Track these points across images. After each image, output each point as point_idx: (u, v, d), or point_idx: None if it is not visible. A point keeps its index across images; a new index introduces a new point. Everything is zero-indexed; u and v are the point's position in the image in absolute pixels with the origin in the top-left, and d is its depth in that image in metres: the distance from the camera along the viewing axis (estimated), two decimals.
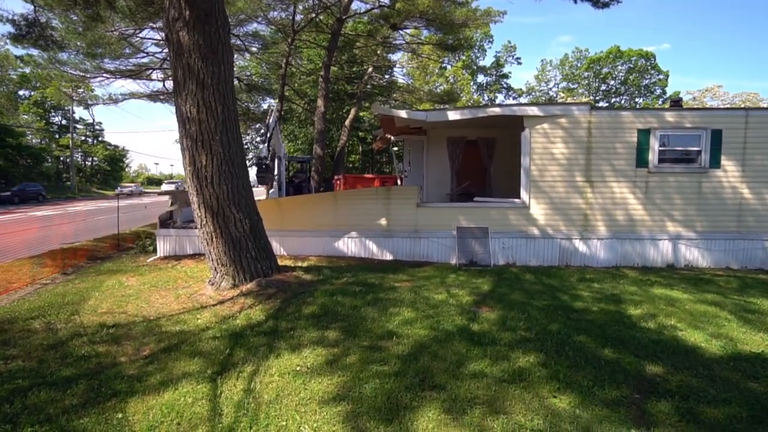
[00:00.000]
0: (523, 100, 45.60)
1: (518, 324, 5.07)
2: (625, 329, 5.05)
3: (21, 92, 41.27)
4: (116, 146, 52.27)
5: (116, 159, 51.91)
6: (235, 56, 25.91)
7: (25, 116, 40.22)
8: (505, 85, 43.17)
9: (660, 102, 42.14)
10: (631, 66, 44.33)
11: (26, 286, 7.08)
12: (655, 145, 8.81)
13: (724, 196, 8.86)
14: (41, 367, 4.01)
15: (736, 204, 8.86)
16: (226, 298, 5.82)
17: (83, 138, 47.73)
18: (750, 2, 75.49)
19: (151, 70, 20.55)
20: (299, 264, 8.25)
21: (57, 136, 41.97)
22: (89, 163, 48.92)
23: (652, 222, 8.97)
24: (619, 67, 44.97)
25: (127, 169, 63.76)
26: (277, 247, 9.27)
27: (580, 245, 9.03)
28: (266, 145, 12.51)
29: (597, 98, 45.28)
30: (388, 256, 9.18)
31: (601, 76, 45.60)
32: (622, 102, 44.90)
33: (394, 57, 27.88)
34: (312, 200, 9.74)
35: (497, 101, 41.39)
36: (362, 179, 16.24)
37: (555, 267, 8.77)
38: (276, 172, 13.32)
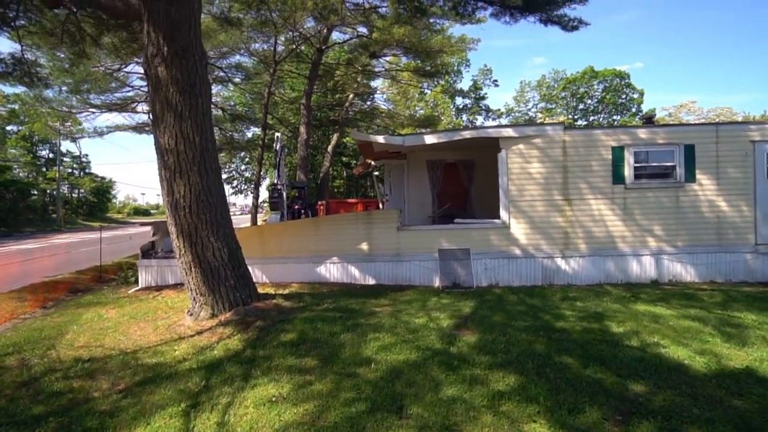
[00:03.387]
0: (503, 121, 46.55)
1: (498, 346, 5.05)
2: (608, 348, 5.02)
3: (9, 127, 41.22)
4: (103, 178, 52.04)
5: (103, 190, 51.56)
6: (219, 87, 26.32)
7: (13, 150, 40.05)
8: (484, 107, 44.18)
9: (636, 119, 43.34)
10: (607, 85, 45.83)
11: (5, 322, 6.91)
12: (630, 161, 9.02)
13: (702, 209, 9.02)
14: (11, 406, 3.91)
15: (714, 217, 9.00)
16: (205, 329, 5.73)
17: (70, 170, 47.53)
18: (722, 19, 79.12)
19: (136, 103, 20.79)
20: (281, 291, 8.18)
21: (44, 169, 41.78)
22: (76, 195, 48.53)
23: (633, 238, 9.08)
24: (596, 87, 46.46)
25: (114, 200, 63.22)
26: (260, 275, 9.21)
27: (563, 263, 9.09)
28: (276, 171, 12.62)
29: (575, 117, 46.48)
30: (371, 281, 9.15)
31: (578, 96, 46.96)
32: (600, 120, 46.10)
33: (376, 83, 28.51)
34: (293, 227, 9.74)
35: (477, 123, 42.25)
36: (345, 204, 16.31)
37: (538, 287, 8.79)
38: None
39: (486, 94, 45.13)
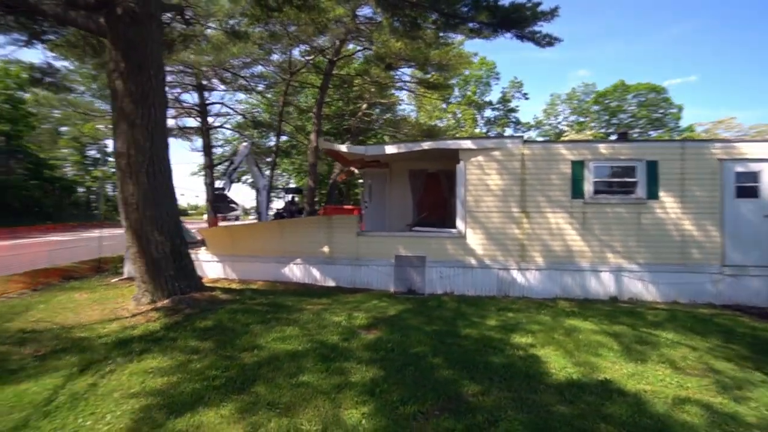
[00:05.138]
0: (532, 134, 46.01)
1: (386, 345, 5.34)
2: (489, 354, 5.17)
3: (63, 129, 45.26)
4: None
5: None
6: (244, 95, 27.88)
7: (65, 150, 43.94)
8: (513, 119, 43.76)
9: (674, 134, 41.58)
10: (642, 99, 44.16)
11: None
12: (589, 176, 8.99)
13: (665, 227, 8.81)
14: None
15: (678, 235, 8.79)
16: (140, 312, 6.41)
17: (114, 170, 51.21)
18: None
19: (168, 110, 22.54)
20: (243, 287, 8.82)
21: (91, 168, 45.48)
22: None
23: (591, 253, 9.00)
24: (630, 100, 44.88)
25: None
26: (229, 272, 9.91)
27: (518, 275, 9.14)
28: (227, 177, 13.65)
29: (609, 132, 45.03)
30: (331, 283, 9.60)
31: (611, 110, 45.51)
32: (636, 135, 44.58)
33: (401, 95, 29.09)
34: (260, 228, 10.39)
35: (506, 134, 42.00)
36: (341, 209, 16.93)
37: (491, 297, 8.88)
38: (255, 204, 14.32)
39: (517, 106, 44.73)
